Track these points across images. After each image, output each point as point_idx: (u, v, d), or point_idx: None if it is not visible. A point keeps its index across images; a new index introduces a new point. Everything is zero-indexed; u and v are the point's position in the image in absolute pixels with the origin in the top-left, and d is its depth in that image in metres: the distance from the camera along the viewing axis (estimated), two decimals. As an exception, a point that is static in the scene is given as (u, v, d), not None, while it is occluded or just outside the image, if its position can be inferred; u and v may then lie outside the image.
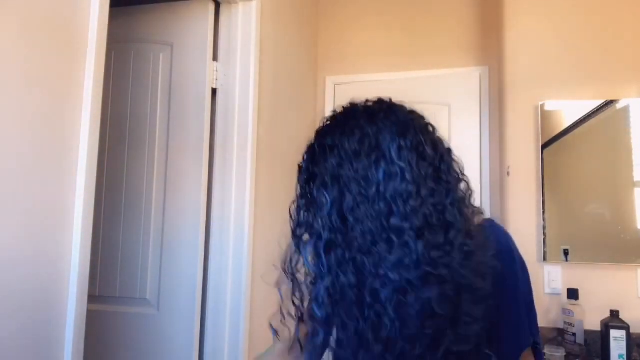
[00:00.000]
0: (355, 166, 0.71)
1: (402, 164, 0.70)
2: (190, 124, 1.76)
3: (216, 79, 1.80)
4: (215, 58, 1.81)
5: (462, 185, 0.75)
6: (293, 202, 0.78)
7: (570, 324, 1.84)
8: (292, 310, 0.77)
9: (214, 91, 1.81)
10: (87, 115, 1.09)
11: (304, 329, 0.78)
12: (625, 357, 1.71)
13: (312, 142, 0.79)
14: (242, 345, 1.70)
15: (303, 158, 0.80)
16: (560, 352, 1.74)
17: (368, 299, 0.68)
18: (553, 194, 2.00)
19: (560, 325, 1.90)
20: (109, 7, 1.17)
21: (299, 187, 0.79)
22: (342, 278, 0.68)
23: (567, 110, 2.04)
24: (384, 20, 2.64)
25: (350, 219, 0.70)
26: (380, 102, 0.80)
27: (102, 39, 1.14)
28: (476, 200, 0.78)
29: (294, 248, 0.75)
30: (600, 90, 2.01)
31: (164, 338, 1.71)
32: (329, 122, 0.80)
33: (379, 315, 0.67)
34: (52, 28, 1.02)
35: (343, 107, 0.82)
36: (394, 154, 0.71)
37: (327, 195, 0.72)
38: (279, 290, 0.77)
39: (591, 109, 2.00)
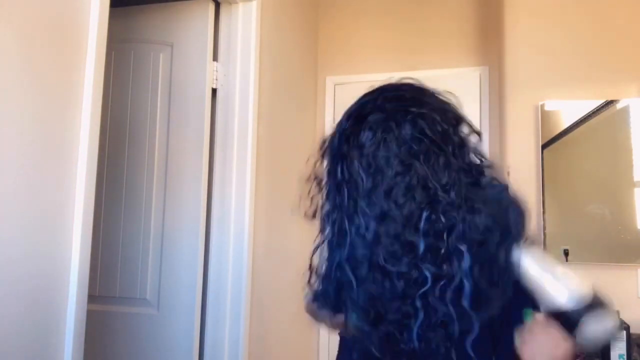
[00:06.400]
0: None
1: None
2: (190, 124, 1.76)
3: (216, 79, 1.80)
4: (215, 58, 1.81)
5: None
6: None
7: (570, 324, 1.83)
8: None
9: (214, 91, 1.81)
10: (87, 116, 1.09)
11: None
12: (625, 357, 1.71)
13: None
14: (242, 345, 1.70)
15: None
16: (560, 352, 1.73)
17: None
18: (553, 194, 2.00)
19: (560, 325, 1.90)
20: (109, 7, 1.17)
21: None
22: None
23: (567, 110, 2.03)
24: (384, 20, 2.64)
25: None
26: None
27: (102, 39, 1.14)
28: None
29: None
30: (600, 90, 2.01)
31: (164, 338, 1.71)
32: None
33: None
34: (52, 28, 1.02)
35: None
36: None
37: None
38: None
39: (591, 109, 2.00)
